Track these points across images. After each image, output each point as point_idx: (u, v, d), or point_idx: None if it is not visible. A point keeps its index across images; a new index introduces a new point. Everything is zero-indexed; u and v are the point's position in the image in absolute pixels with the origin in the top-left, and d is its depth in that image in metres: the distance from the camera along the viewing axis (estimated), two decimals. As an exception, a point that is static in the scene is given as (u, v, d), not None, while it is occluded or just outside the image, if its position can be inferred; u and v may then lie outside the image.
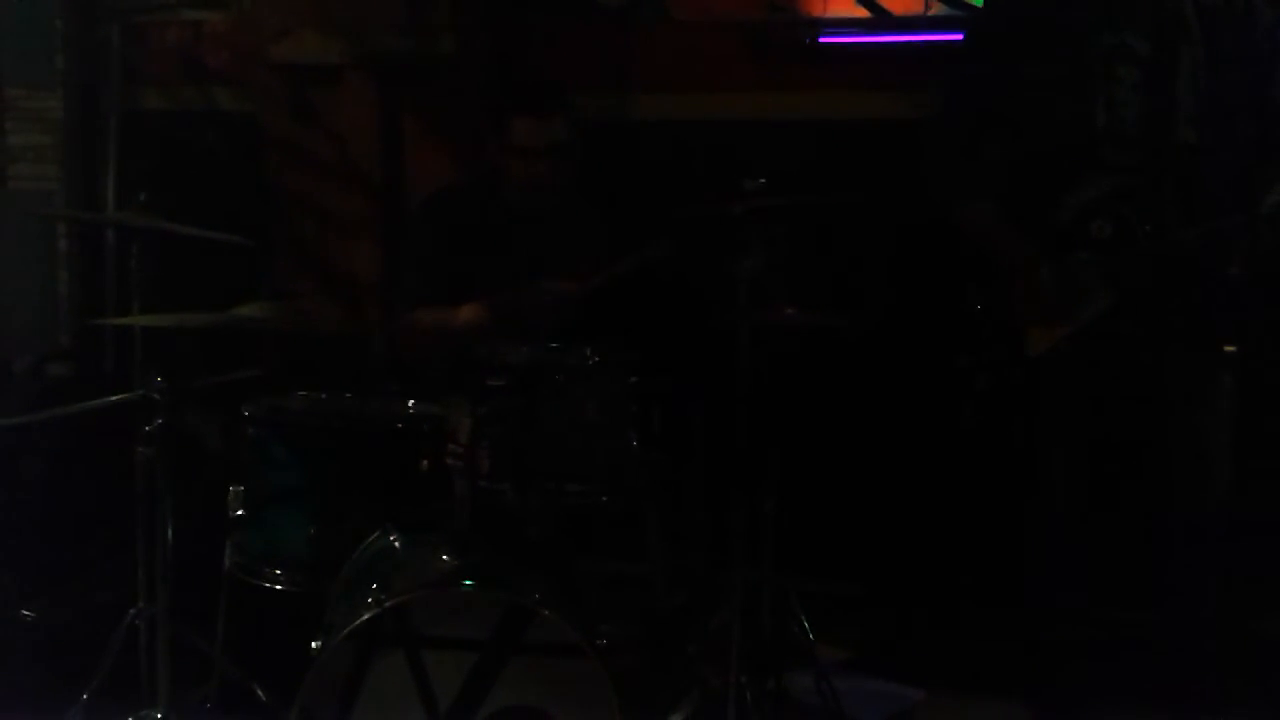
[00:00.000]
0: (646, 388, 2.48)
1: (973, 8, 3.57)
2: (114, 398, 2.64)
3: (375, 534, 2.45)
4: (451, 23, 3.76)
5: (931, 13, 3.66)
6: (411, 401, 2.68)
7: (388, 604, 2.13)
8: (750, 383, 2.44)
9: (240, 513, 2.57)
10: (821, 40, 3.67)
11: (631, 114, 3.78)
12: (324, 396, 2.77)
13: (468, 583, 2.21)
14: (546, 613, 2.14)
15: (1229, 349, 2.38)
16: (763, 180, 2.38)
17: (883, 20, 3.68)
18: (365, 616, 2.13)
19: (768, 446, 2.55)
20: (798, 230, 2.63)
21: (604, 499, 2.48)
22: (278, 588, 2.54)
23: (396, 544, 2.39)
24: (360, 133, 3.88)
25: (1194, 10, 2.37)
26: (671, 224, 2.55)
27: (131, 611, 2.62)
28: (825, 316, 2.79)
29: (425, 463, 2.54)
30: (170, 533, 2.50)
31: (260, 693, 2.65)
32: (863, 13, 3.70)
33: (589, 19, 3.83)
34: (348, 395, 2.77)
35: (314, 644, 2.24)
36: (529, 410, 2.37)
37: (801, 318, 2.63)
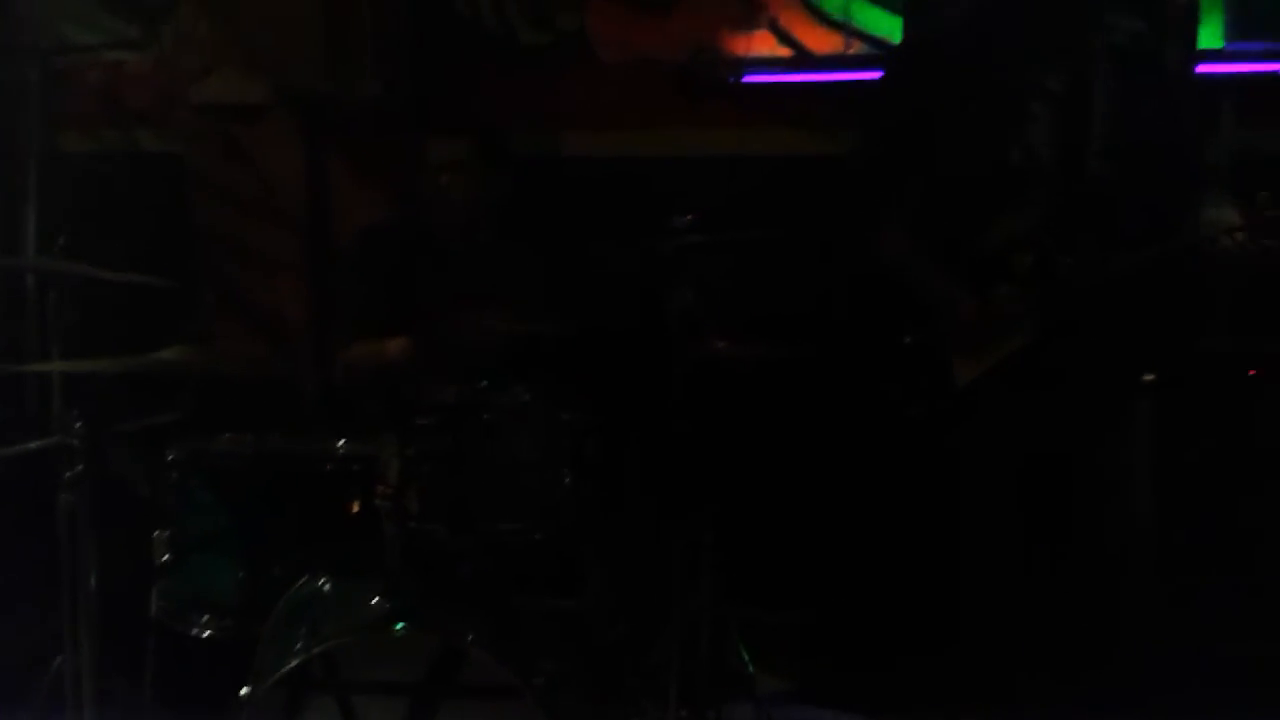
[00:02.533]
0: (580, 422, 2.49)
1: (891, 47, 3.65)
2: (33, 444, 2.60)
3: (305, 577, 2.42)
4: (375, 62, 3.77)
5: (852, 52, 3.74)
6: (340, 442, 2.67)
7: (317, 649, 2.11)
8: (685, 416, 2.46)
9: (167, 558, 2.52)
10: (745, 79, 3.74)
11: (558, 151, 3.81)
12: (251, 438, 2.74)
13: (399, 625, 2.20)
14: (480, 653, 2.13)
15: (1147, 378, 2.45)
16: (690, 217, 2.41)
17: (804, 59, 3.75)
18: (295, 662, 2.10)
19: (705, 478, 2.57)
20: (728, 265, 2.66)
21: (538, 536, 2.48)
22: (206, 634, 2.50)
23: (326, 587, 2.36)
24: (285, 172, 3.87)
25: (1104, 48, 2.45)
26: (602, 261, 2.57)
27: (56, 660, 2.57)
28: (757, 349, 2.83)
29: (355, 504, 2.52)
30: (94, 579, 2.45)
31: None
32: (785, 52, 3.77)
33: (513, 59, 3.86)
34: (275, 436, 2.75)
35: (244, 690, 2.21)
36: (459, 449, 2.37)
37: (734, 350, 2.66)
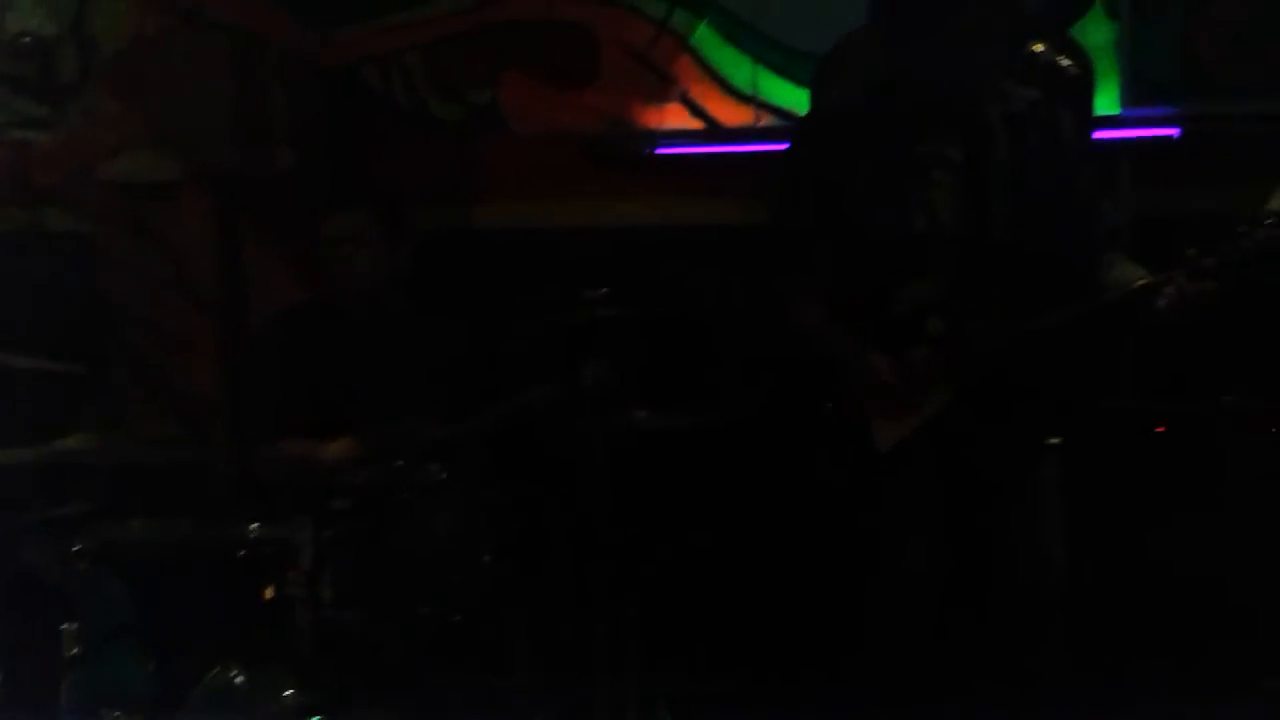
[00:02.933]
0: (499, 499, 2.47)
1: (799, 118, 3.72)
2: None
3: (216, 668, 2.36)
4: (287, 136, 3.76)
5: (762, 124, 3.81)
6: (254, 526, 2.61)
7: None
8: (605, 489, 2.45)
9: (76, 651, 2.45)
10: (658, 151, 3.78)
11: (472, 224, 3.82)
12: (161, 524, 2.68)
13: (314, 719, 2.15)
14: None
15: (1052, 440, 2.49)
16: (604, 289, 2.42)
17: (716, 131, 3.81)
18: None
19: (627, 551, 2.56)
20: (643, 336, 2.67)
21: (458, 618, 2.44)
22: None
23: (238, 679, 2.31)
24: (197, 250, 3.83)
25: (1000, 117, 2.51)
26: (515, 334, 2.57)
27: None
28: (678, 419, 2.83)
29: (268, 591, 2.47)
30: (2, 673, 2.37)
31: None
32: (697, 124, 3.83)
33: (427, 132, 3.87)
34: (186, 522, 2.69)
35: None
36: (375, 531, 2.33)
37: (653, 421, 2.67)
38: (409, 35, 3.87)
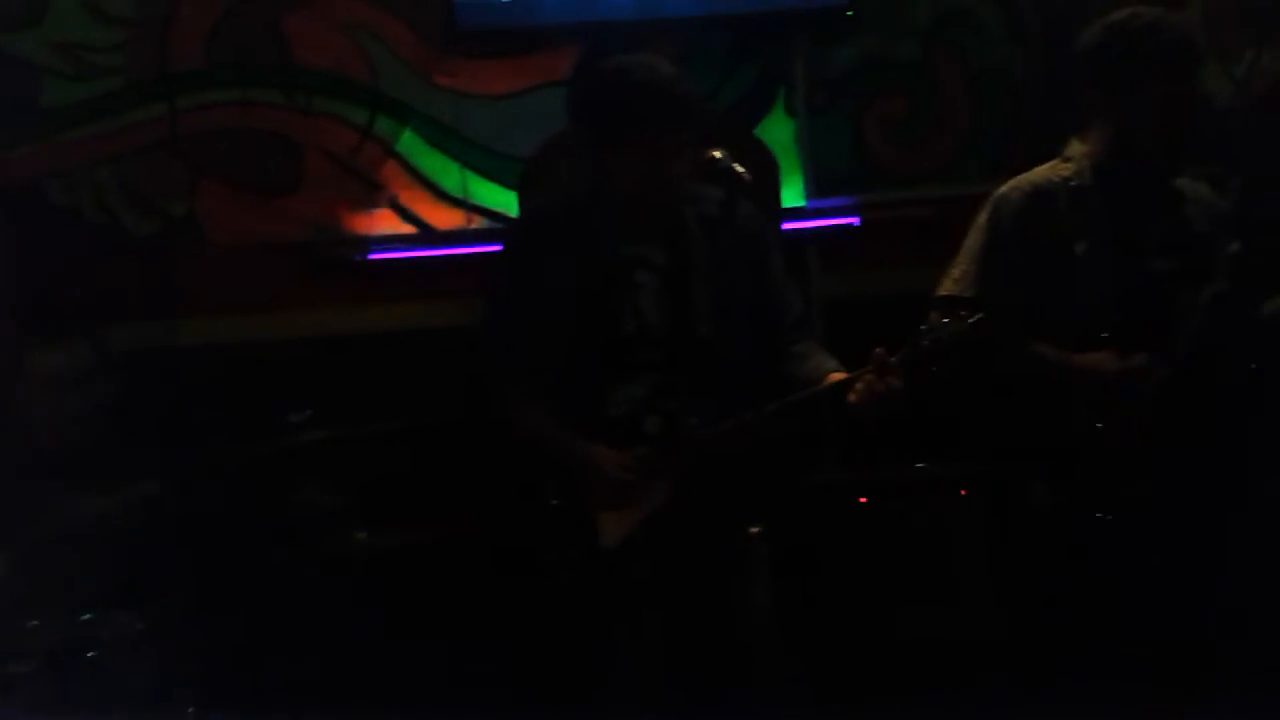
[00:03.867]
0: (208, 646, 2.30)
1: (510, 220, 3.78)
2: None
3: None
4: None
5: (474, 226, 3.84)
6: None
7: None
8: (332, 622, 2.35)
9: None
10: (370, 257, 3.75)
11: (174, 341, 3.66)
12: None
13: None
14: None
15: (753, 530, 2.58)
16: (309, 411, 2.35)
17: (427, 235, 3.82)
18: None
19: (364, 676, 2.46)
20: (357, 453, 2.61)
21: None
22: None
23: None
24: None
25: (696, 220, 2.62)
26: (220, 461, 2.45)
27: None
28: (402, 535, 2.77)
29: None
30: None
31: None
32: (408, 229, 3.83)
33: (123, 249, 3.69)
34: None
35: None
36: (63, 696, 2.12)
37: (376, 540, 2.60)
38: (97, 149, 3.70)
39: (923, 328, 2.39)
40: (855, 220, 3.92)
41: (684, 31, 3.88)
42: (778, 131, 3.98)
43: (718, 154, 2.44)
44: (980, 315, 2.34)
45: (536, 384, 2.63)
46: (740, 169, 2.43)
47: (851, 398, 2.41)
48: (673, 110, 2.47)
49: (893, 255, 3.83)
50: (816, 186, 3.99)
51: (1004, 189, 2.69)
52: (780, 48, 3.96)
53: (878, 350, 2.38)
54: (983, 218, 2.69)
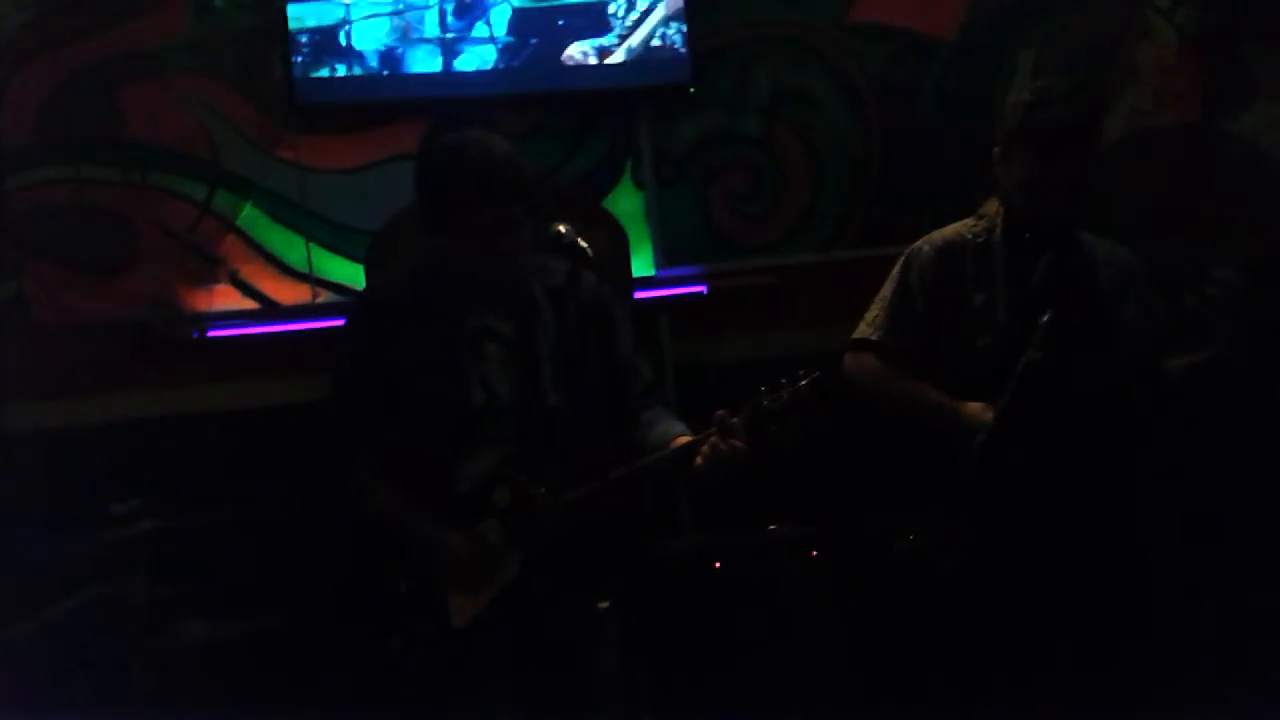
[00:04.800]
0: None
1: (357, 293, 3.73)
2: None
3: None
4: None
5: (319, 301, 3.78)
6: None
7: None
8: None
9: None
10: (209, 334, 3.65)
11: (3, 428, 3.47)
12: None
13: None
14: None
15: (602, 604, 2.57)
16: (136, 501, 2.25)
17: (271, 311, 3.74)
18: None
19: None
20: (189, 542, 2.50)
21: None
22: None
23: None
24: None
25: (544, 292, 2.63)
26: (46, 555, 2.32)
27: None
28: (242, 624, 2.66)
29: None
30: None
31: None
32: (250, 304, 3.74)
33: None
34: None
35: None
36: None
37: (216, 630, 2.49)
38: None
39: (762, 389, 2.45)
40: (703, 288, 3.99)
41: (532, 105, 3.93)
42: (626, 203, 4.04)
43: (562, 228, 2.46)
44: (816, 375, 2.41)
45: (385, 462, 2.59)
46: (583, 243, 2.45)
47: (697, 460, 2.44)
48: (503, 188, 2.48)
49: (739, 322, 3.90)
50: (665, 256, 4.05)
51: (918, 243, 2.88)
52: (627, 122, 4.04)
53: (720, 412, 2.43)
54: (896, 268, 2.88)
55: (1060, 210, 2.72)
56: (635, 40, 3.95)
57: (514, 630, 2.49)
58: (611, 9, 3.93)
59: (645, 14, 3.94)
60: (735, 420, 2.41)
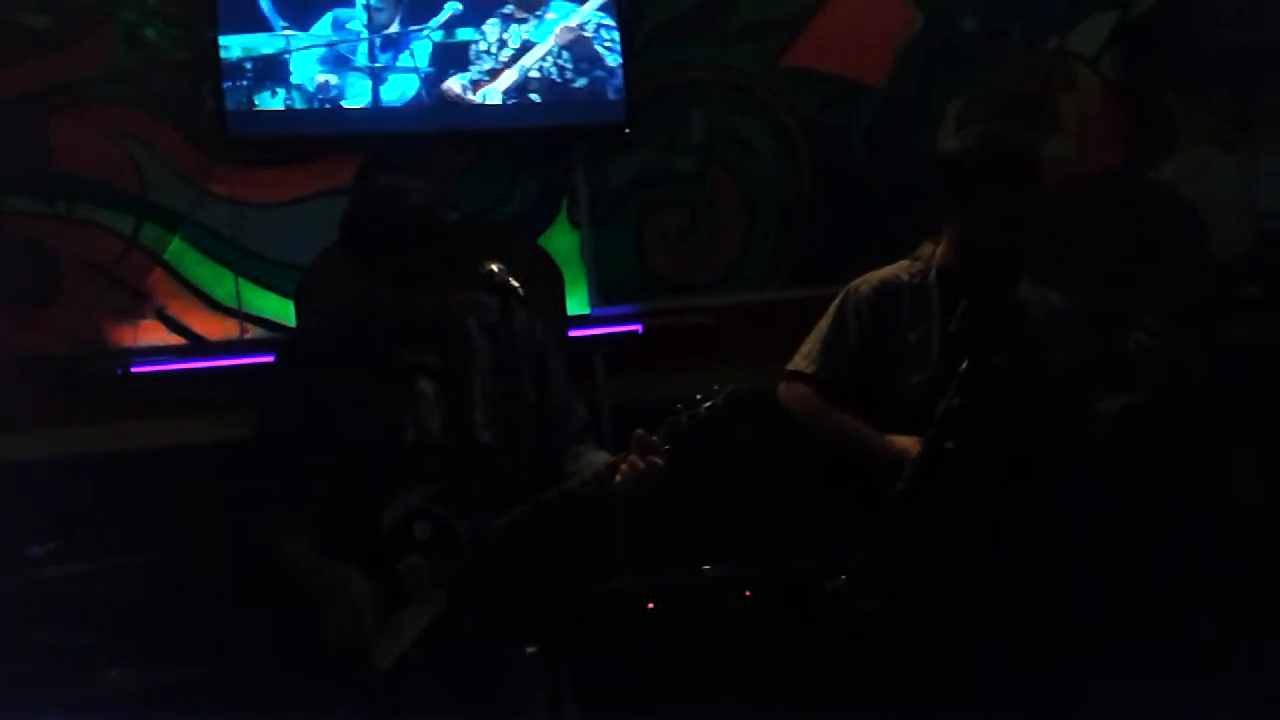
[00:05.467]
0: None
1: (287, 329, 3.68)
2: None
3: None
4: None
5: (248, 336, 3.72)
6: None
7: None
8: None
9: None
10: (134, 370, 3.57)
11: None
12: None
13: None
14: None
15: (531, 649, 2.55)
16: (53, 544, 2.18)
17: (198, 346, 3.68)
18: None
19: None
20: (107, 590, 2.42)
21: None
22: None
23: None
24: None
25: (477, 327, 2.62)
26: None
27: None
28: (164, 674, 2.58)
29: None
30: None
31: None
32: (176, 339, 3.67)
33: None
34: None
35: None
36: None
37: (138, 679, 2.41)
38: None
39: (679, 406, 2.49)
40: (638, 327, 3.99)
41: (468, 143, 3.91)
42: (562, 241, 4.04)
43: (494, 267, 2.46)
44: (731, 390, 2.46)
45: (304, 505, 2.54)
46: (514, 282, 2.44)
47: (617, 478, 2.46)
48: (420, 236, 2.49)
49: (674, 360, 3.91)
50: (600, 294, 4.05)
51: (856, 280, 2.95)
52: (562, 161, 4.04)
53: (638, 431, 2.46)
54: (834, 304, 2.94)
55: (1020, 241, 2.80)
56: (510, 77, 3.87)
57: (442, 671, 2.46)
58: (483, 45, 3.84)
59: (521, 51, 3.87)
60: (654, 438, 2.45)
